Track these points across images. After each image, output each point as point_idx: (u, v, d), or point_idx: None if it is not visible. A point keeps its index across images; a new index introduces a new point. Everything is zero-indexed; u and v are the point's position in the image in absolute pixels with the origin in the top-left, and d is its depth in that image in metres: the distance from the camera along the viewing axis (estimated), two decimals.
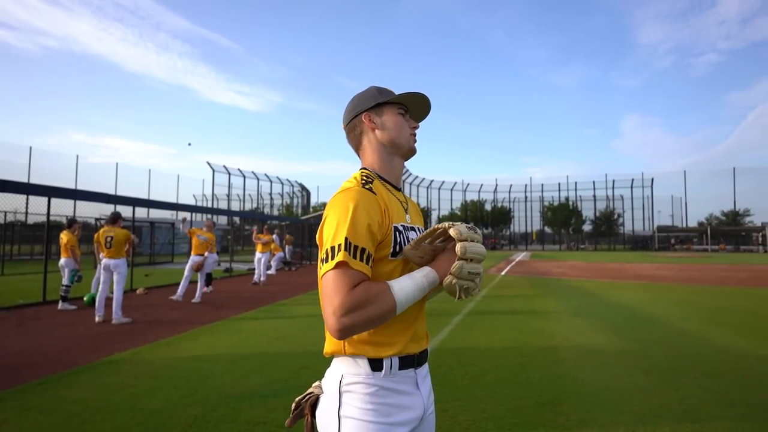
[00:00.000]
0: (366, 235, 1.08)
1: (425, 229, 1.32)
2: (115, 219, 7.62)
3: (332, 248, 1.06)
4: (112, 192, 16.42)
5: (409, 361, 1.17)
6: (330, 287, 1.03)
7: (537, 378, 4.20)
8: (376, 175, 1.29)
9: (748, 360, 4.78)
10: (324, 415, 1.14)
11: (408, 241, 1.20)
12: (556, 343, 5.59)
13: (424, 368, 1.25)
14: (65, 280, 8.55)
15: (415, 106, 1.36)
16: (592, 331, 6.30)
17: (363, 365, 1.12)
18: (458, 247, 1.10)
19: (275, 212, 45.07)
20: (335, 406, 1.12)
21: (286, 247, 20.05)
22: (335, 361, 1.18)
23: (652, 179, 52.53)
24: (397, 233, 1.18)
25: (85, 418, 3.29)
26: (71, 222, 9.29)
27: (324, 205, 52.68)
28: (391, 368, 1.13)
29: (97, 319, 7.09)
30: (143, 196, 30.32)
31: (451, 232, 1.12)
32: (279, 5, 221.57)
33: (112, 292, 7.42)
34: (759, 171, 52.33)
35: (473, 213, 60.41)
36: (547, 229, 60.35)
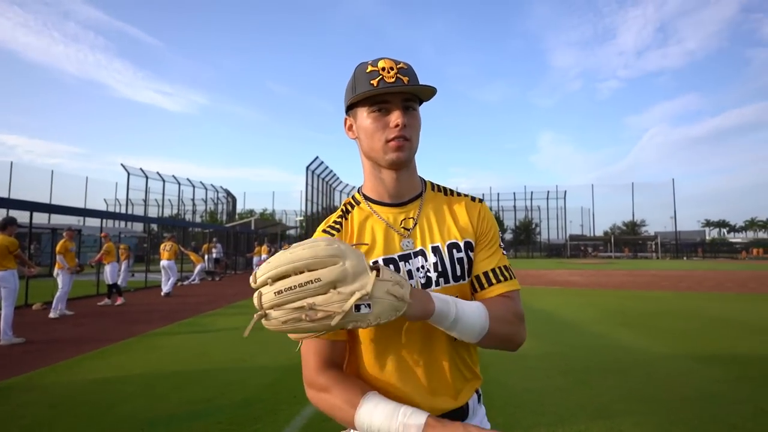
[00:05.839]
0: None
1: (470, 244, 1.05)
2: (4, 225, 6.73)
3: None
4: (4, 195, 14.58)
5: None
6: (302, 353, 0.99)
7: None
8: (363, 198, 1.09)
9: (648, 358, 5.26)
10: None
11: (396, 274, 0.90)
12: (483, 349, 5.78)
13: None
14: None
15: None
16: None
17: None
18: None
19: (198, 219, 42.67)
20: None
21: (206, 256, 18.97)
22: None
23: (565, 192, 56.86)
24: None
25: None
26: None
27: (251, 212, 50.81)
28: None
29: None
30: (44, 199, 27.32)
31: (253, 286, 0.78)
32: (206, 3, 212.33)
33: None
34: (652, 186, 59.07)
35: None
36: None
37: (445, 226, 1.06)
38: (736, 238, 77.69)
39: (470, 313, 0.92)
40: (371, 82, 0.97)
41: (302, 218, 40.72)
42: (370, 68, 0.98)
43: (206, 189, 41.86)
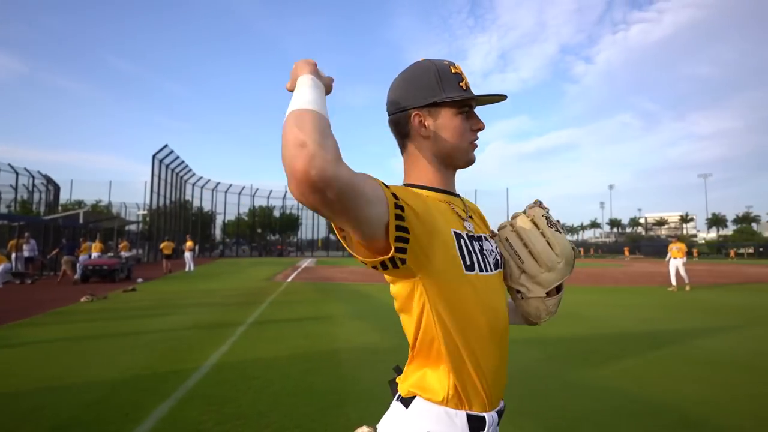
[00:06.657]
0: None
1: (493, 239, 1.13)
2: None
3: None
4: None
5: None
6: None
7: (321, 383, 4.29)
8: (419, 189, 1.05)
9: None
10: None
11: (477, 253, 0.99)
12: (338, 346, 5.86)
13: None
14: None
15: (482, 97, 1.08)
16: (370, 331, 6.85)
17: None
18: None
19: (3, 209, 34.93)
20: None
21: (13, 255, 15.69)
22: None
23: None
24: (460, 240, 0.96)
25: None
26: None
27: (80, 203, 43.56)
28: None
29: None
30: None
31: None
32: None
33: None
34: (491, 193, 66.73)
35: (261, 219, 59.24)
36: (332, 237, 63.80)
37: (483, 222, 1.18)
38: None
39: None
40: (460, 84, 1.04)
41: (146, 212, 36.26)
42: (453, 69, 1.04)
43: (17, 173, 34.58)
